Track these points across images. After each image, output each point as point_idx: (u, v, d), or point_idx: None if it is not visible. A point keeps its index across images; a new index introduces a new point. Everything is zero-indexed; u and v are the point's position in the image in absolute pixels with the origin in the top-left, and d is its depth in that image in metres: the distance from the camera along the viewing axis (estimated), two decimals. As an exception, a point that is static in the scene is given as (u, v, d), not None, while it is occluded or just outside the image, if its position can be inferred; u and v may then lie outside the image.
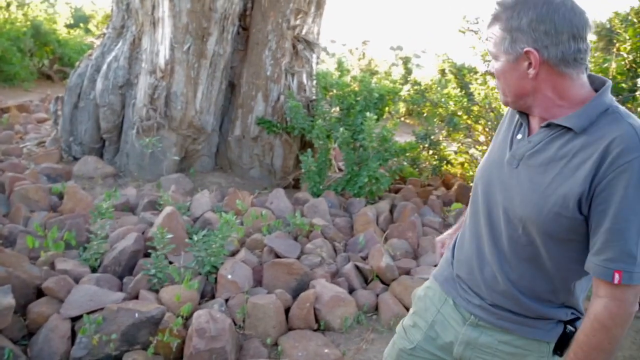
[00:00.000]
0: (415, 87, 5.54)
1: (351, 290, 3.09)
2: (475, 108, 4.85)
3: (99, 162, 4.70)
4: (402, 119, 7.14)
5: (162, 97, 4.57)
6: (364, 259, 3.42)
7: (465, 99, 4.94)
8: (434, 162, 5.37)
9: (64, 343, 2.26)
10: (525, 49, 1.11)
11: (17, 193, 3.57)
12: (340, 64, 5.27)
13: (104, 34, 5.22)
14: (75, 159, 4.85)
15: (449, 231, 1.66)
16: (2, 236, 3.06)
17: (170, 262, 2.93)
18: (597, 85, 1.17)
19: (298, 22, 4.96)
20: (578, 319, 1.27)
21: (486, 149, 5.21)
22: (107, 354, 2.25)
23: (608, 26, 3.70)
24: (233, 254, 3.21)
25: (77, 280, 2.65)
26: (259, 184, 4.98)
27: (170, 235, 2.88)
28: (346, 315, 2.82)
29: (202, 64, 4.67)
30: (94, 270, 2.89)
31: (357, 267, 3.26)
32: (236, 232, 3.10)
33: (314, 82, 5.12)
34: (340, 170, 5.31)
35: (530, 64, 1.13)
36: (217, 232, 2.95)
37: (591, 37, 1.23)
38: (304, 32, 5.09)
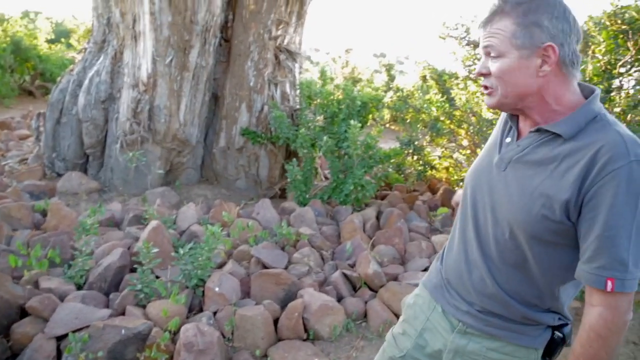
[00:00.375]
0: (398, 94, 5.60)
1: (339, 299, 3.09)
2: (457, 113, 4.91)
3: (83, 177, 4.66)
4: (387, 125, 7.18)
5: (145, 110, 4.56)
6: (352, 266, 3.43)
7: (447, 104, 5.00)
8: (419, 168, 5.41)
9: (50, 363, 2.22)
10: (546, 44, 1.11)
11: (-1, 212, 3.53)
12: (323, 72, 5.30)
13: (86, 49, 5.19)
14: (59, 175, 4.80)
15: (460, 191, 1.61)
16: (-16, 256, 3.01)
17: (157, 277, 2.91)
18: (586, 93, 1.19)
19: (279, 32, 4.99)
20: (566, 325, 1.28)
21: (470, 153, 5.24)
22: (94, 372, 2.22)
23: (585, 29, 3.78)
24: (220, 266, 3.20)
25: (62, 299, 2.62)
26: (245, 194, 4.98)
27: (156, 250, 2.87)
28: (335, 323, 2.82)
29: (185, 76, 4.67)
30: (79, 287, 2.86)
31: (345, 275, 3.27)
32: (223, 244, 3.09)
33: (297, 91, 5.14)
34: (326, 178, 5.33)
35: (544, 61, 1.12)
36: (203, 245, 2.94)
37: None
38: (285, 42, 5.12)
